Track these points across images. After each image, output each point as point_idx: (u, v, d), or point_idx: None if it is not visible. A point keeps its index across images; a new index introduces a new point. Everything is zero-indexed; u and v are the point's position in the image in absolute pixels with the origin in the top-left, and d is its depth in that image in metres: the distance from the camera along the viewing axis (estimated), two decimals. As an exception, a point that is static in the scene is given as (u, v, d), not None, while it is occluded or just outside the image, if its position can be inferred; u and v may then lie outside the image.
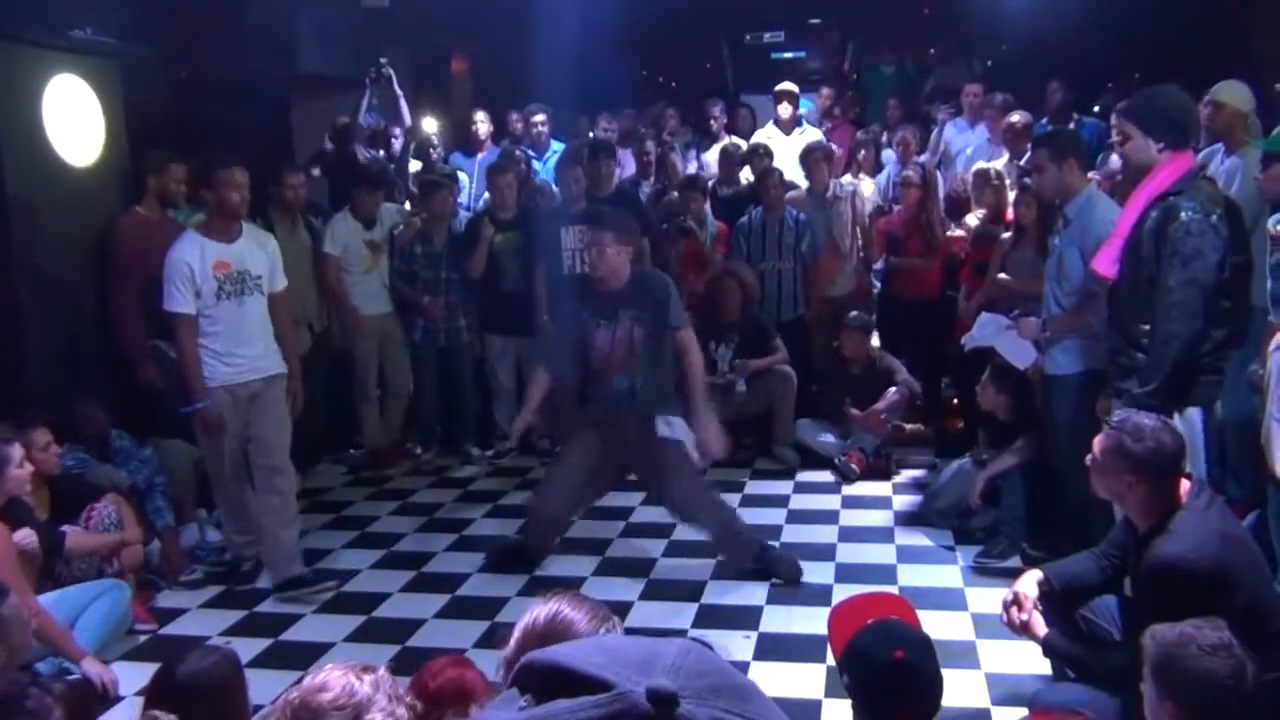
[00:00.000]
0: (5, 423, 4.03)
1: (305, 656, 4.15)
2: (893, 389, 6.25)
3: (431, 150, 7.95)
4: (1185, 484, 3.04)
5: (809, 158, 6.99)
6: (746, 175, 7.43)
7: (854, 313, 6.38)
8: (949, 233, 6.64)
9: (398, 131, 7.98)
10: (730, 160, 7.54)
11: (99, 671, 3.83)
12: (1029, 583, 3.27)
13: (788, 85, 8.15)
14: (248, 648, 4.10)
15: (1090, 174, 6.42)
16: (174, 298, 4.55)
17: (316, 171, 7.39)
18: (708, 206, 7.01)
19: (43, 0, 5.09)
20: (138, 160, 5.69)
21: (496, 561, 5.04)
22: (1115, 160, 6.54)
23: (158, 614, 4.61)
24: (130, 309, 5.32)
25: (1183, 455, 2.99)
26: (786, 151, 7.61)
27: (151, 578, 4.86)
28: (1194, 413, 3.71)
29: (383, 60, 7.46)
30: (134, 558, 4.61)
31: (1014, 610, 3.23)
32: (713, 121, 8.29)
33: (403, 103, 7.69)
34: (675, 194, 7.16)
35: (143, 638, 4.41)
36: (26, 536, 3.98)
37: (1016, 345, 4.84)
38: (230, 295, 4.64)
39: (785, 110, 8.02)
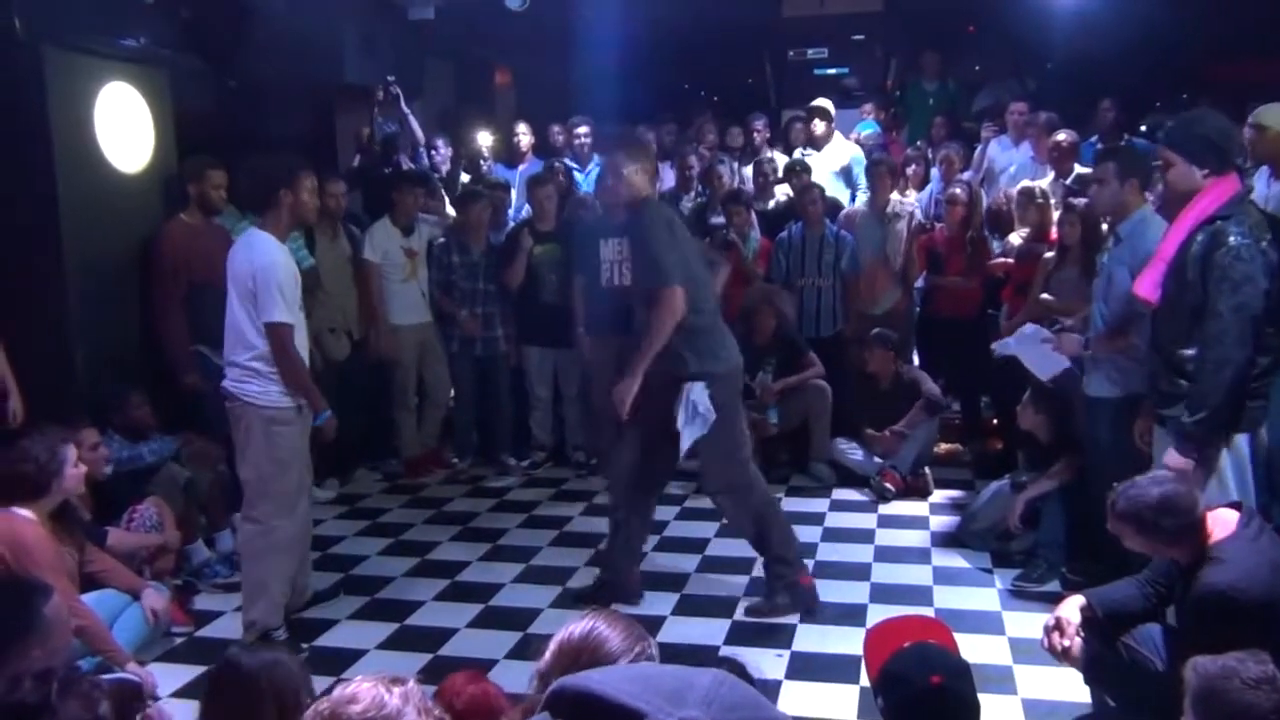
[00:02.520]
0: (57, 424, 4.07)
1: (337, 663, 4.17)
2: (917, 405, 6.21)
3: (482, 162, 8.02)
4: (1231, 513, 2.99)
5: (874, 170, 6.97)
6: (786, 191, 7.42)
7: (877, 329, 6.34)
8: (995, 257, 6.57)
9: (441, 143, 8.06)
10: (764, 175, 7.52)
11: (141, 674, 3.88)
12: (1072, 608, 3.23)
13: (822, 102, 8.14)
14: (282, 652, 4.12)
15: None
16: (279, 307, 4.17)
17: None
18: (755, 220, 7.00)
19: (98, 10, 5.18)
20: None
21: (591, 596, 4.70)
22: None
23: (194, 616, 4.65)
24: (174, 314, 5.39)
25: (1195, 502, 2.99)
26: (821, 166, 7.61)
27: (190, 580, 4.92)
28: (1241, 439, 3.65)
29: (390, 79, 7.54)
30: (169, 561, 4.65)
31: (1056, 635, 3.19)
32: (755, 135, 8.29)
33: (412, 120, 7.77)
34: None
35: (179, 639, 4.45)
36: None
37: (1045, 357, 4.76)
38: (301, 308, 4.50)
39: (819, 126, 8.00)
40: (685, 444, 4.39)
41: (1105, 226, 5.65)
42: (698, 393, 4.34)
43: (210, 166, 5.53)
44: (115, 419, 4.95)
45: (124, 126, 5.47)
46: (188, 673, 4.12)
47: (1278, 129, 4.86)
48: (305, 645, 4.36)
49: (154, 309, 5.43)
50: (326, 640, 4.46)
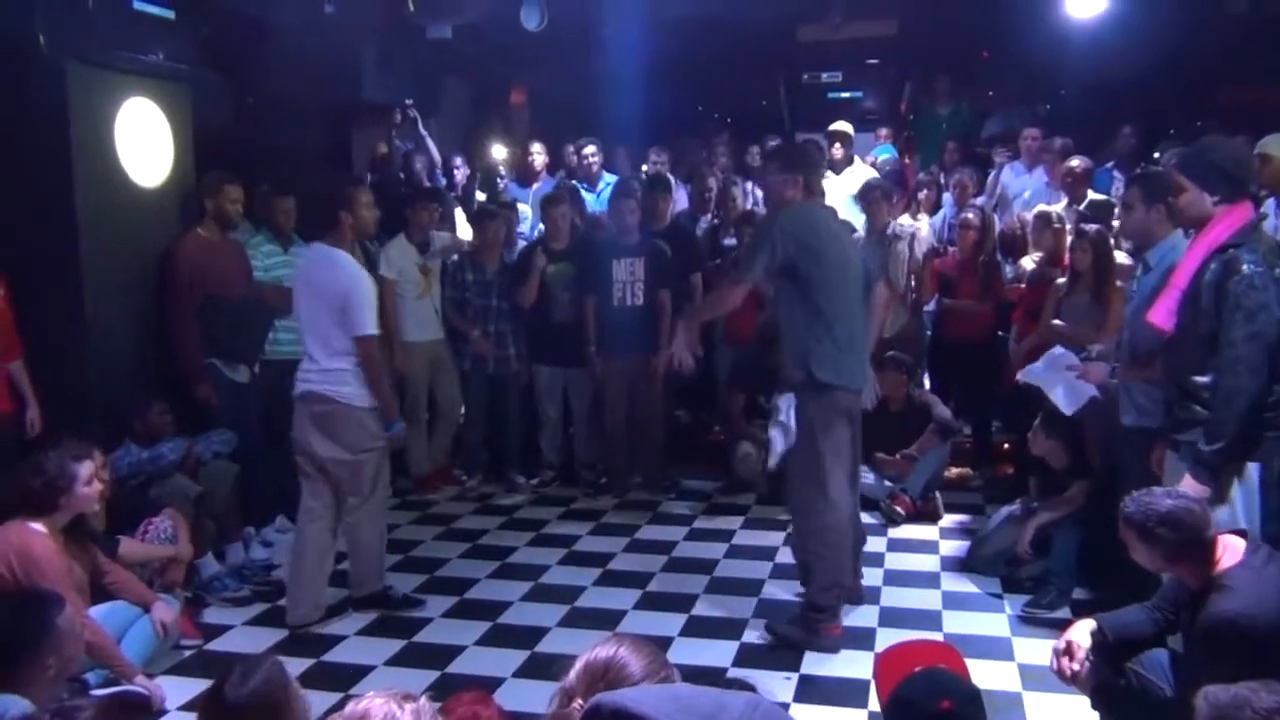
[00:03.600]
0: (72, 440, 4.09)
1: (346, 678, 4.17)
2: (929, 429, 6.20)
3: (499, 180, 8.06)
4: (1239, 541, 2.98)
5: (868, 195, 6.98)
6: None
7: (890, 352, 6.33)
8: (1007, 281, 6.57)
9: (460, 161, 8.13)
10: None
11: (150, 687, 3.89)
12: (1082, 632, 3.22)
13: (841, 125, 8.16)
14: (290, 667, 4.06)
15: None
16: (369, 320, 4.58)
17: None
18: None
19: (120, 26, 5.23)
20: (203, 183, 5.83)
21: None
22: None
23: (204, 629, 4.66)
24: (189, 328, 5.42)
25: (1206, 524, 2.98)
26: (838, 190, 7.61)
27: (199, 593, 4.93)
28: (1251, 468, 3.63)
29: (408, 102, 7.62)
30: (178, 574, 4.66)
31: (1065, 660, 3.18)
32: (770, 157, 8.32)
33: (429, 141, 7.84)
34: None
35: (188, 652, 4.46)
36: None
37: (1070, 389, 4.72)
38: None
39: (837, 150, 8.02)
40: (774, 452, 4.37)
41: (1122, 254, 5.68)
42: (786, 402, 4.33)
43: (227, 182, 5.58)
44: (136, 426, 4.98)
45: (144, 142, 5.51)
46: (196, 686, 4.11)
47: (1282, 157, 4.88)
48: (312, 660, 4.36)
49: (168, 322, 5.47)
50: (335, 655, 4.46)
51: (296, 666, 4.22)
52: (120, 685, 3.85)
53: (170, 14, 5.51)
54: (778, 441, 4.36)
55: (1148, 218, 4.24)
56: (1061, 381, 4.77)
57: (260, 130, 6.66)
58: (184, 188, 5.76)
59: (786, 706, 3.93)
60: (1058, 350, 4.94)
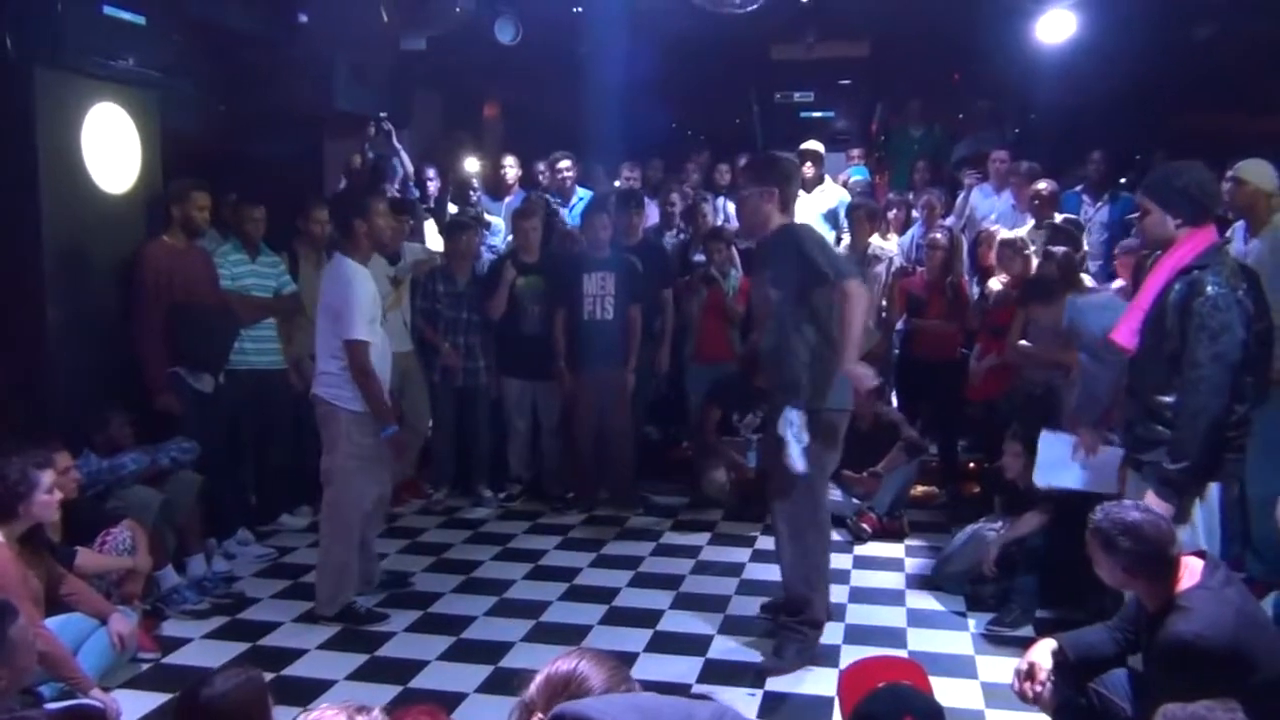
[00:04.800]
0: (31, 448, 4.02)
1: (307, 692, 4.12)
2: (896, 447, 6.23)
3: (471, 192, 8.05)
4: (1198, 562, 3.01)
5: (853, 215, 7.03)
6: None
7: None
8: (973, 301, 6.62)
9: (432, 173, 8.11)
10: None
11: (105, 700, 3.82)
12: (1043, 652, 3.24)
13: (812, 144, 8.22)
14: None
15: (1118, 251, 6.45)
16: (361, 327, 4.69)
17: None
18: (738, 257, 7.04)
19: (89, 31, 5.19)
20: (172, 190, 5.77)
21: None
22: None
23: (162, 642, 4.59)
24: (153, 336, 5.37)
25: (1170, 541, 3.00)
26: (808, 209, 7.65)
27: (158, 606, 4.86)
28: (1212, 489, 3.68)
29: (382, 115, 7.62)
30: (136, 585, 4.59)
31: (1027, 682, 3.19)
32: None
33: (403, 154, 7.84)
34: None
35: (145, 666, 4.39)
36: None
37: (1093, 472, 4.41)
38: (380, 321, 4.93)
39: (808, 169, 8.06)
40: (796, 456, 4.25)
41: (1087, 276, 5.75)
42: (794, 414, 4.27)
43: (195, 189, 5.53)
44: (97, 439, 4.91)
45: (111, 148, 5.47)
46: (153, 700, 4.06)
47: (1256, 184, 4.95)
48: (271, 674, 4.31)
49: (132, 330, 5.40)
50: (295, 670, 4.41)
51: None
52: (75, 698, 3.78)
53: (141, 20, 5.46)
54: (795, 448, 4.26)
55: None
56: (1081, 472, 4.48)
57: (230, 138, 6.63)
58: (151, 194, 5.71)
59: (750, 723, 3.92)
60: (1047, 437, 4.65)
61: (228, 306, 5.69)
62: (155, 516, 4.89)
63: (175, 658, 4.50)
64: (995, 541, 4.97)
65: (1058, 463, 4.50)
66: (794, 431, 4.30)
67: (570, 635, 4.72)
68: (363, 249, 4.84)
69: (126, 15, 5.39)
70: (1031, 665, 3.21)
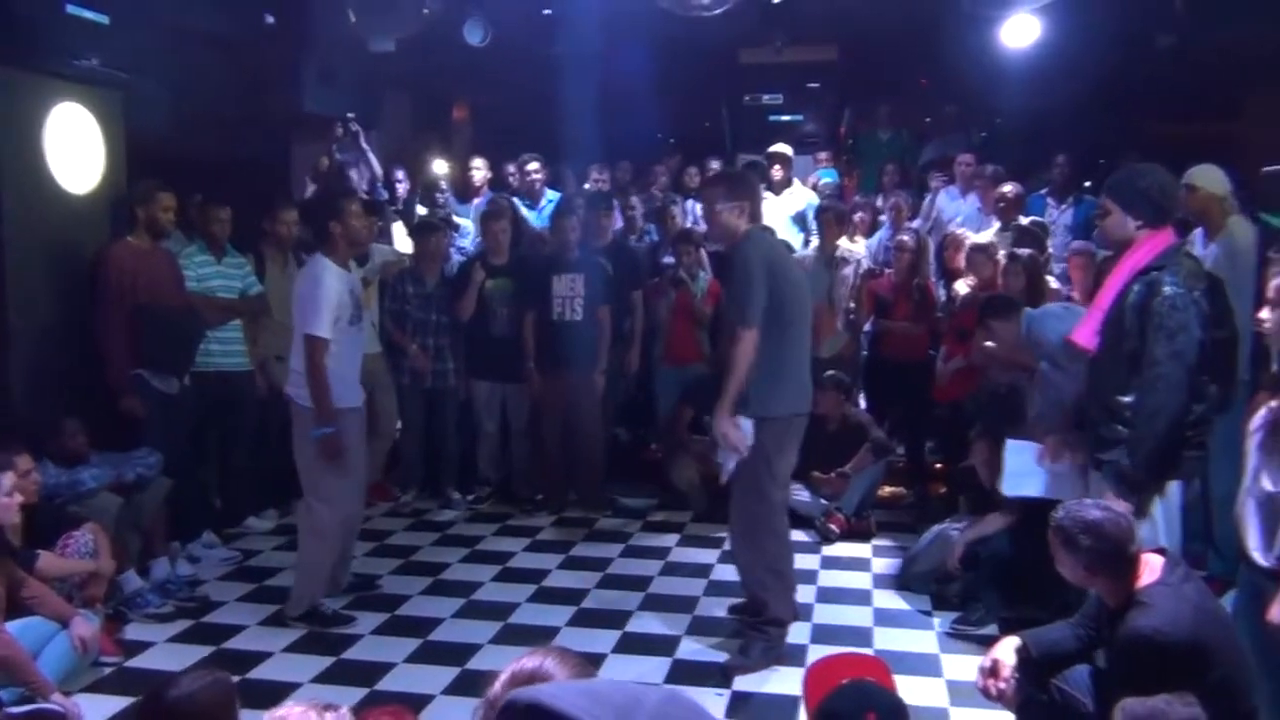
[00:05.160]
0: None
1: (272, 695, 4.07)
2: (864, 448, 6.27)
3: (438, 194, 8.03)
4: (1158, 559, 3.05)
5: (822, 217, 7.07)
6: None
7: (829, 372, 6.40)
8: (940, 303, 6.68)
9: (401, 175, 8.08)
10: None
11: (66, 705, 3.78)
12: (1007, 650, 3.27)
13: (781, 147, 8.26)
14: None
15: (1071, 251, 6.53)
16: (320, 322, 4.68)
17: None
18: (707, 260, 7.06)
19: (51, 30, 5.13)
20: (136, 191, 5.72)
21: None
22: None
23: (125, 646, 4.54)
24: (117, 338, 5.31)
25: (1130, 539, 3.03)
26: (777, 211, 7.70)
27: (121, 609, 4.81)
28: (1173, 486, 3.73)
29: (350, 116, 7.59)
30: (99, 589, 4.54)
31: (990, 679, 3.22)
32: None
33: (371, 156, 7.81)
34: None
35: (107, 670, 4.35)
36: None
37: (1059, 479, 4.39)
38: (351, 321, 4.87)
39: (776, 171, 8.11)
40: (727, 469, 4.36)
41: (1052, 279, 5.81)
42: (745, 424, 4.29)
43: (160, 190, 5.49)
44: (50, 447, 4.84)
45: (74, 147, 5.41)
46: (115, 704, 4.03)
47: (1207, 189, 5.02)
48: (237, 677, 4.27)
49: (96, 332, 5.34)
50: (259, 672, 4.38)
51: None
52: (36, 703, 3.74)
53: (104, 19, 5.41)
54: (729, 459, 4.35)
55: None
56: (1049, 479, 4.45)
57: (196, 139, 6.56)
58: (115, 195, 5.66)
59: (718, 723, 3.93)
60: (1013, 446, 4.61)
61: (193, 308, 5.64)
62: (114, 521, 4.83)
63: (138, 661, 4.46)
64: (959, 540, 5.02)
65: (1024, 471, 4.51)
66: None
67: (538, 637, 4.71)
68: (340, 250, 4.84)
69: (90, 14, 5.33)
70: (995, 662, 3.24)
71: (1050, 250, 6.77)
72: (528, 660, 1.97)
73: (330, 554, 4.90)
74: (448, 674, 4.34)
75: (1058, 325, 4.46)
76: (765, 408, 4.31)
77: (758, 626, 4.47)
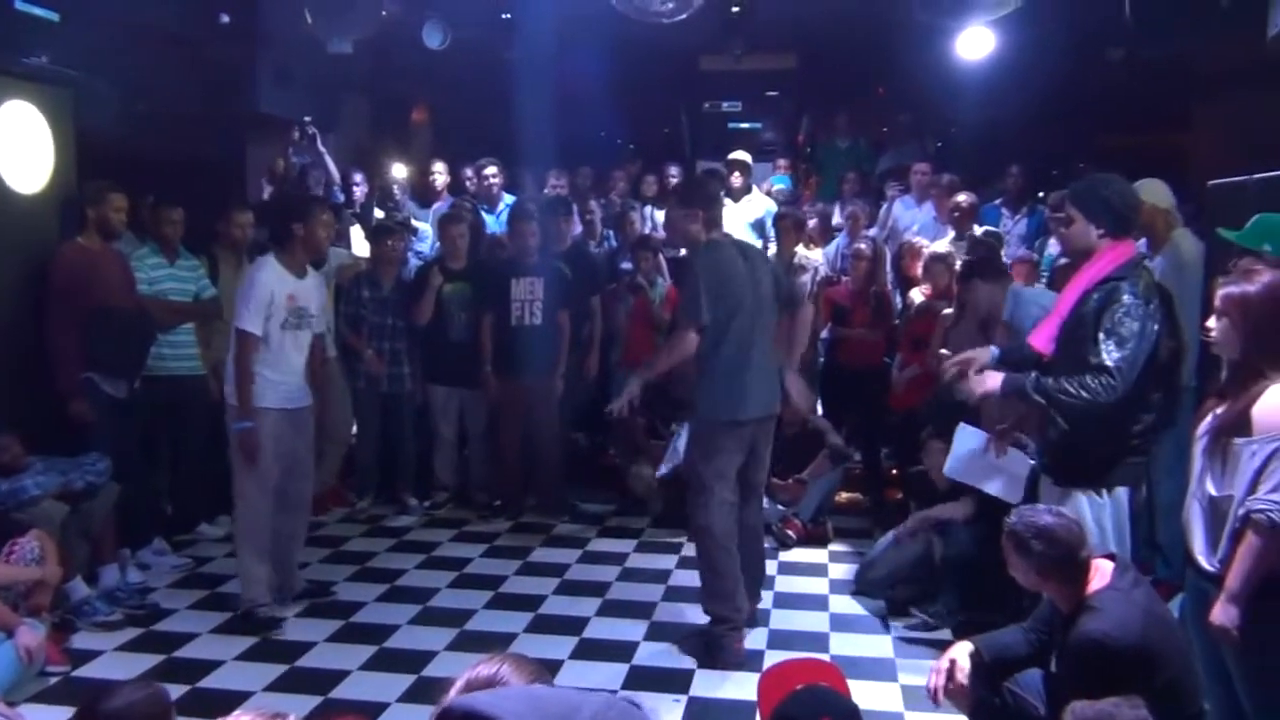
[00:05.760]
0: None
1: (223, 705, 4.00)
2: (821, 454, 6.31)
3: (392, 200, 7.98)
4: (1108, 564, 3.10)
5: (780, 224, 7.11)
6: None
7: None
8: (897, 311, 6.75)
9: (359, 178, 8.02)
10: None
11: (11, 715, 3.70)
12: (961, 653, 3.31)
13: (740, 154, 8.30)
14: (164, 693, 3.97)
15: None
16: (250, 317, 4.72)
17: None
18: (665, 266, 7.07)
19: (1, 26, 5.04)
20: (87, 191, 5.62)
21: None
22: (1053, 246, 6.75)
23: (72, 655, 4.46)
24: (66, 341, 5.22)
25: (1081, 544, 3.08)
26: (736, 218, 7.72)
27: (68, 618, 4.72)
28: (1121, 493, 3.78)
29: (307, 119, 7.54)
30: (45, 597, 4.45)
31: (944, 681, 3.26)
32: (670, 183, 8.39)
33: (327, 158, 7.76)
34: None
35: (54, 679, 4.26)
36: None
37: (1005, 476, 4.42)
38: (291, 327, 4.86)
39: (736, 179, 8.14)
40: (660, 470, 4.46)
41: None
42: (683, 427, 4.55)
43: (110, 190, 5.40)
44: None
45: (23, 146, 5.31)
46: (61, 714, 3.90)
47: (1152, 202, 5.09)
48: (187, 686, 4.21)
49: (44, 334, 5.25)
50: (211, 682, 4.31)
51: (172, 693, 4.08)
52: (-22, 715, 3.66)
53: (55, 16, 5.33)
54: (670, 458, 4.48)
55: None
56: (991, 472, 4.49)
57: (149, 139, 6.47)
58: (65, 195, 5.56)
59: (674, 729, 3.94)
60: (963, 430, 4.62)
61: (144, 311, 5.55)
62: (61, 527, 4.73)
63: (85, 671, 4.38)
64: (929, 513, 5.06)
65: (970, 458, 4.56)
66: (674, 447, 4.44)
67: (495, 643, 4.63)
68: (295, 254, 4.86)
69: (40, 11, 5.25)
70: (949, 665, 3.28)
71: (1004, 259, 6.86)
72: (483, 667, 1.96)
73: (254, 555, 4.86)
74: (403, 681, 4.30)
75: (1036, 314, 4.46)
76: (710, 410, 4.54)
77: (709, 627, 4.62)
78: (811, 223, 7.89)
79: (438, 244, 7.21)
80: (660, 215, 7.99)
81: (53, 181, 5.51)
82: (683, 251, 6.88)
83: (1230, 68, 6.00)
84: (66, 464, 4.91)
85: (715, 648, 4.53)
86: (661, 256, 7.06)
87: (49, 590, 4.47)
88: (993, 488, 4.41)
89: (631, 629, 4.90)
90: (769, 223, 7.95)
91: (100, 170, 5.63)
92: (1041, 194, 8.22)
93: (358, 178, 8.08)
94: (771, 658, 4.51)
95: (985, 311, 5.32)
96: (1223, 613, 2.76)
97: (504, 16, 7.69)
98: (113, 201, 5.38)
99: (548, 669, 2.09)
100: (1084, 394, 3.51)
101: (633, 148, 10.77)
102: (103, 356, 5.30)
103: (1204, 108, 6.65)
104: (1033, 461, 4.27)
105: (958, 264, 6.37)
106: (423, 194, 8.30)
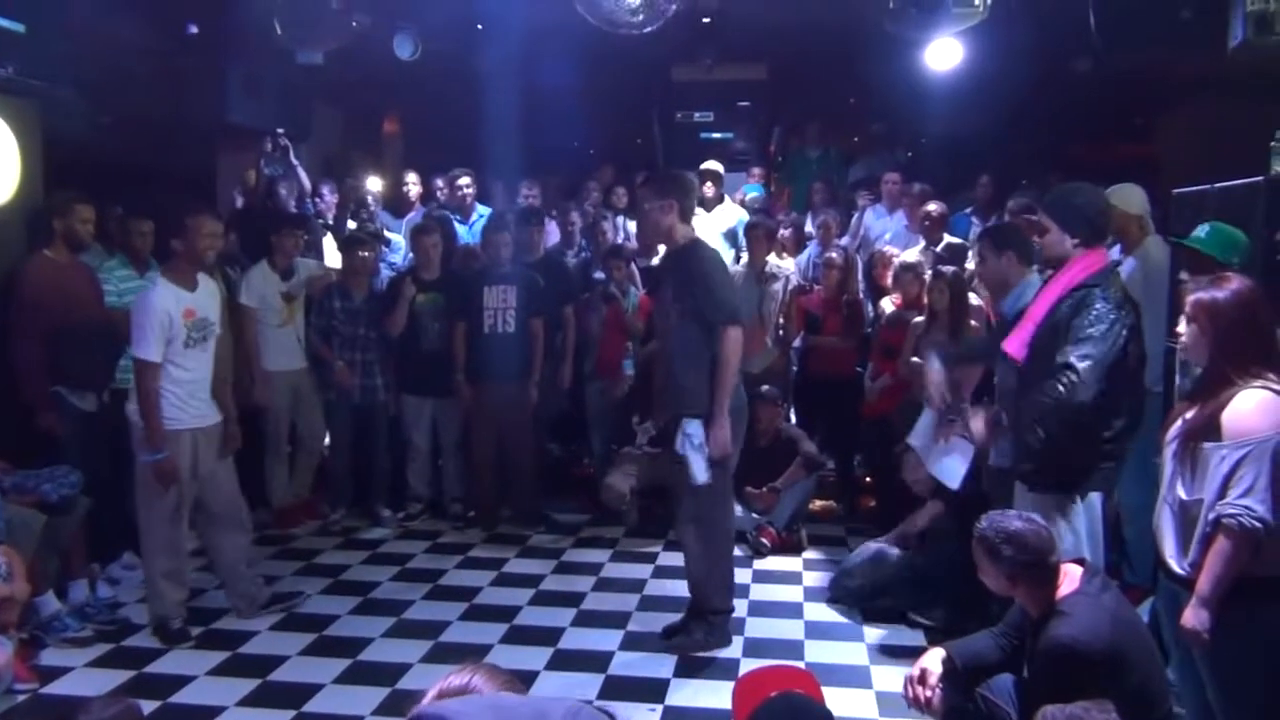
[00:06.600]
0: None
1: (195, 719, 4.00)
2: (795, 462, 6.34)
3: (364, 210, 7.95)
4: (1077, 569, 3.13)
5: (751, 233, 7.14)
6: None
7: (765, 386, 6.46)
8: (869, 319, 6.79)
9: (331, 189, 7.99)
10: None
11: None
12: (933, 659, 3.33)
13: (712, 164, 8.33)
14: (134, 710, 3.92)
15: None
16: (148, 344, 4.58)
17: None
18: (637, 275, 7.08)
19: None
20: (54, 202, 5.56)
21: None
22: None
23: (40, 672, 4.40)
24: (33, 354, 5.16)
25: (1050, 549, 3.11)
26: (709, 227, 7.75)
27: (37, 634, 4.66)
28: (1095, 498, 3.82)
29: (279, 131, 7.51)
30: (12, 614, 4.39)
31: (918, 688, 3.28)
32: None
33: (300, 170, 7.72)
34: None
35: (21, 697, 4.21)
36: None
37: (947, 462, 4.54)
38: (195, 343, 4.75)
39: (708, 188, 8.17)
40: (699, 471, 4.49)
41: (975, 296, 5.94)
42: (694, 427, 4.50)
43: (78, 201, 5.36)
44: None
45: (-13, 157, 5.26)
46: (29, 732, 3.90)
47: (1123, 208, 5.16)
48: (159, 702, 4.17)
49: (11, 347, 5.19)
50: (181, 697, 4.27)
51: (143, 709, 4.06)
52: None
53: (21, 28, 5.27)
54: (698, 461, 4.49)
55: (1000, 264, 4.48)
56: (940, 455, 4.59)
57: (117, 150, 6.41)
58: (32, 207, 5.51)
59: (650, 739, 3.94)
60: (926, 418, 4.68)
61: (112, 324, 5.49)
62: (37, 540, 4.67)
63: (55, 687, 4.32)
64: (920, 512, 5.11)
65: (927, 433, 4.62)
66: (694, 444, 4.40)
67: (470, 655, 4.66)
68: (180, 268, 4.75)
69: (6, 22, 5.20)
70: (922, 672, 3.30)
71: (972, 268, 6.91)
72: (455, 677, 1.96)
73: (161, 577, 4.81)
74: (377, 694, 4.28)
75: (1014, 303, 4.46)
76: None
77: (701, 615, 4.71)
78: (785, 232, 7.93)
79: (410, 255, 7.19)
80: (633, 226, 8.02)
81: (19, 193, 5.46)
82: (654, 261, 7.02)
83: (1193, 78, 6.10)
84: (38, 477, 4.86)
85: (714, 627, 4.72)
86: (634, 266, 7.07)
87: (16, 607, 4.40)
88: (937, 469, 4.56)
89: (607, 639, 4.90)
90: (741, 232, 7.99)
91: (68, 182, 5.57)
92: (1011, 204, 8.29)
93: (329, 188, 8.06)
94: (746, 665, 4.52)
95: (995, 281, 5.13)
96: (1194, 616, 2.80)
97: (476, 27, 7.68)
98: (79, 213, 5.34)
99: (523, 680, 2.10)
100: (1048, 396, 3.56)
101: (604, 158, 10.78)
102: (70, 370, 5.25)
103: (1167, 117, 6.75)
104: (972, 448, 4.37)
105: (927, 274, 6.42)
106: (396, 205, 8.28)
